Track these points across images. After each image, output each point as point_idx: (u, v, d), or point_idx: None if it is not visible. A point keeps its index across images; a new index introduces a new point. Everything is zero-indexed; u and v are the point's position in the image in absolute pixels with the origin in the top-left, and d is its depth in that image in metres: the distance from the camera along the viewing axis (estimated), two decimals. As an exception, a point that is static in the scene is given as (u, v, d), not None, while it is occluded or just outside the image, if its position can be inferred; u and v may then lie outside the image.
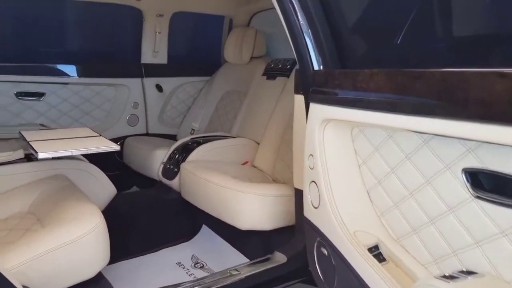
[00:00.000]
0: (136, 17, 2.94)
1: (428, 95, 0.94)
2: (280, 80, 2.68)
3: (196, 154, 2.37)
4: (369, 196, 1.30)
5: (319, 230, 1.40)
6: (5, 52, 2.63)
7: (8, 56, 2.62)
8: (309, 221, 1.46)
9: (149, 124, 3.13)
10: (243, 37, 2.95)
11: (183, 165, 2.28)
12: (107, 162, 2.92)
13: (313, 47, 1.52)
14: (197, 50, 3.48)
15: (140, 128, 3.10)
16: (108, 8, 2.80)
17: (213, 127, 3.07)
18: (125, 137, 3.00)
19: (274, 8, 1.57)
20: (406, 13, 1.28)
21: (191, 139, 2.58)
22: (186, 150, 2.45)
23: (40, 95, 2.68)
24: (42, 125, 2.71)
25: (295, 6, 1.51)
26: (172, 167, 2.42)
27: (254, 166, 2.54)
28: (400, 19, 1.30)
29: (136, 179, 2.85)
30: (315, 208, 1.40)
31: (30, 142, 1.58)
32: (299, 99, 1.58)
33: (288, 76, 2.62)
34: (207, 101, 3.18)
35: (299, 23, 1.52)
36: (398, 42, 1.30)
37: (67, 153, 1.50)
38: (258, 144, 2.58)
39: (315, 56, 1.51)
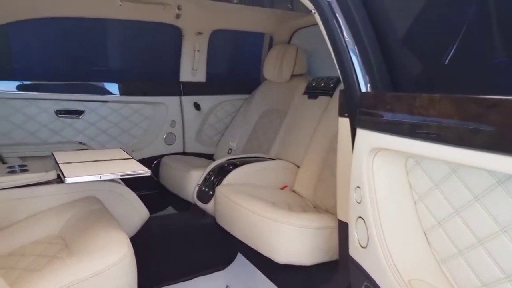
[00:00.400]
0: (175, 35, 2.92)
1: (508, 128, 0.77)
2: (322, 99, 2.54)
3: (232, 176, 2.26)
4: (427, 239, 1.12)
5: (367, 273, 1.22)
6: (47, 70, 2.67)
7: (49, 74, 2.66)
8: (355, 261, 1.29)
9: (186, 143, 3.08)
10: (284, 54, 2.85)
11: (218, 189, 2.17)
12: (143, 181, 2.89)
13: (360, 66, 1.38)
14: (236, 68, 3.41)
15: (177, 147, 3.04)
16: (147, 27, 2.79)
17: (251, 147, 2.96)
18: (161, 156, 2.95)
19: (316, 24, 1.45)
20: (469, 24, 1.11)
21: (227, 160, 2.48)
22: (222, 172, 2.35)
23: (79, 113, 2.69)
24: (80, 143, 2.71)
25: (340, 21, 1.38)
26: (207, 189, 2.32)
27: (294, 191, 2.39)
28: (459, 32, 1.13)
29: (172, 200, 2.78)
30: (362, 248, 1.24)
31: (59, 165, 1.53)
32: (344, 122, 1.43)
33: (331, 95, 2.47)
34: (245, 120, 3.08)
35: (344, 39, 1.39)
36: (456, 59, 1.14)
37: (95, 178, 1.43)
38: (298, 167, 2.43)
39: (362, 75, 1.37)
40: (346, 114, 1.41)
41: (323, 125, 2.39)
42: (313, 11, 1.43)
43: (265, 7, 2.94)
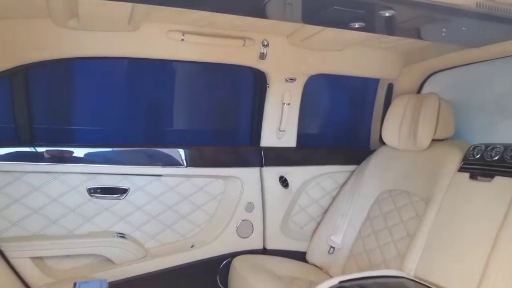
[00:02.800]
0: (257, 83, 2.10)
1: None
2: (502, 182, 1.52)
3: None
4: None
5: None
6: (76, 132, 1.94)
7: (80, 135, 1.92)
8: None
9: (268, 235, 2.13)
10: (418, 108, 1.90)
11: None
12: (207, 286, 1.98)
13: None
14: (338, 128, 2.48)
15: (254, 241, 2.11)
16: (219, 71, 2.00)
17: (364, 247, 1.95)
18: (233, 255, 2.02)
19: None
20: None
21: (340, 283, 1.47)
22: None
23: (121, 191, 1.88)
24: (121, 235, 1.89)
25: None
26: None
27: None
28: None
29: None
30: None
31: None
32: None
33: (524, 177, 1.44)
34: (353, 203, 2.10)
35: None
36: None
37: None
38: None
39: None
40: None
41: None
42: None
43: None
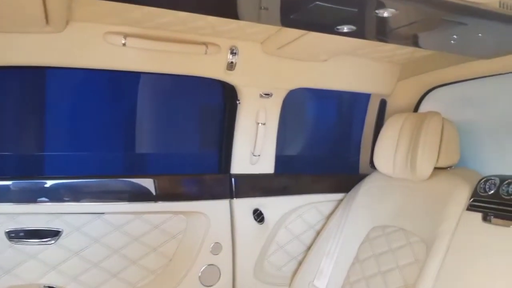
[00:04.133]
0: (226, 98, 1.75)
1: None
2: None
3: None
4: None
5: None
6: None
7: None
8: None
9: (239, 281, 1.76)
10: (418, 130, 1.58)
11: None
12: None
13: None
14: (323, 151, 2.14)
15: (222, 291, 1.74)
16: (177, 84, 1.64)
17: (355, 295, 1.61)
18: (195, 308, 1.66)
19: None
20: None
21: None
22: None
23: (51, 234, 1.50)
24: (50, 288, 1.50)
25: None
26: None
27: None
28: None
29: None
30: None
31: None
32: None
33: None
34: (340, 240, 1.76)
35: None
36: None
37: None
38: None
39: None
40: None
41: None
42: None
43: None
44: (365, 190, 1.82)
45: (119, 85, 1.71)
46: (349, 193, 1.89)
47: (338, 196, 1.94)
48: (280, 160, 1.87)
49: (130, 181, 1.60)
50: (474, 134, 1.72)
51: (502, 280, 1.19)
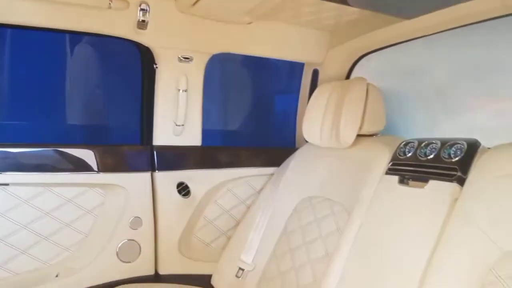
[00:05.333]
0: (144, 62, 1.65)
1: None
2: (438, 188, 1.17)
3: None
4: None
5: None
6: None
7: None
8: None
9: (161, 257, 1.69)
10: (342, 97, 1.54)
11: None
12: None
13: None
14: (252, 123, 2.07)
15: (142, 266, 1.65)
16: (91, 45, 1.54)
17: (279, 269, 1.56)
18: (113, 285, 1.57)
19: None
20: None
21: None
22: None
23: None
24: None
25: None
26: None
27: None
28: None
29: None
30: None
31: None
32: None
33: (460, 180, 1.11)
34: (269, 213, 1.70)
35: None
36: None
37: None
38: None
39: None
40: None
41: (451, 251, 1.02)
42: None
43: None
44: (295, 163, 1.77)
45: (24, 45, 1.59)
46: (280, 166, 1.83)
47: (271, 170, 1.88)
48: (210, 132, 1.80)
49: (38, 151, 1.49)
50: (402, 101, 1.69)
51: (417, 239, 1.15)
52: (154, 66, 1.60)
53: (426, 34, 1.53)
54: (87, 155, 1.57)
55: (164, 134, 1.69)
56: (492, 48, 1.49)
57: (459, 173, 1.14)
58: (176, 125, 1.68)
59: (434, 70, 1.69)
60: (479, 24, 1.38)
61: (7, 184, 1.45)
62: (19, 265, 1.50)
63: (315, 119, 1.65)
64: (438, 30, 1.48)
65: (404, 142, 1.39)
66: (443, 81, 1.66)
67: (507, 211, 0.98)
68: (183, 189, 1.73)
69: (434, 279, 1.03)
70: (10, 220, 1.48)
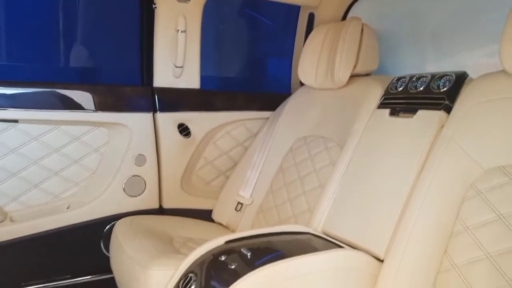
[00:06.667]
0: (140, 3, 1.68)
1: None
2: (426, 116, 1.24)
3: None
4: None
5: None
6: None
7: None
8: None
9: (165, 192, 1.79)
10: (337, 38, 1.58)
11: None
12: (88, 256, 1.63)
13: None
14: (249, 66, 2.12)
15: (147, 200, 1.77)
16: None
17: (275, 202, 1.67)
18: (120, 217, 1.68)
19: None
20: None
21: (226, 244, 1.18)
22: (215, 276, 1.06)
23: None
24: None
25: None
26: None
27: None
28: None
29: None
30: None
31: None
32: None
33: (447, 108, 1.18)
34: (266, 154, 1.79)
35: None
36: None
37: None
38: (380, 261, 1.11)
39: None
40: None
41: (436, 173, 1.09)
42: None
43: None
44: (290, 106, 1.84)
45: None
46: (276, 110, 1.90)
47: (267, 114, 1.96)
48: (208, 78, 1.86)
49: (47, 90, 1.56)
50: (396, 43, 1.74)
51: (402, 165, 1.24)
52: (153, 6, 1.63)
53: None
54: (91, 94, 1.64)
55: (164, 76, 1.76)
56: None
57: (446, 102, 1.22)
58: (176, 66, 1.73)
59: (428, 12, 1.73)
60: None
61: (16, 121, 1.53)
62: (32, 198, 1.61)
63: (311, 61, 1.70)
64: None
65: (397, 78, 1.46)
66: (436, 23, 1.71)
67: (488, 132, 1.07)
68: (184, 130, 1.81)
69: (419, 197, 1.12)
70: (22, 156, 1.56)
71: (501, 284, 0.94)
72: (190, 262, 1.14)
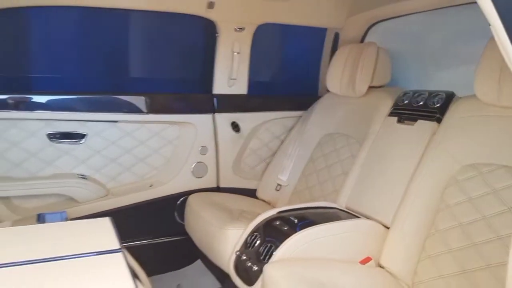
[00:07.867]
0: (207, 32, 2.17)
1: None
2: (423, 125, 1.71)
3: (290, 248, 1.47)
4: None
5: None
6: (35, 80, 1.99)
7: (39, 84, 1.97)
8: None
9: (221, 175, 2.32)
10: (358, 57, 2.04)
11: (268, 270, 1.38)
12: (166, 223, 2.17)
13: None
14: (287, 76, 2.61)
15: (209, 181, 2.29)
16: (168, 20, 2.05)
17: (307, 184, 2.17)
18: (189, 193, 2.21)
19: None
20: None
21: (279, 213, 1.69)
22: (272, 234, 1.57)
23: (80, 136, 2.00)
24: (82, 176, 2.02)
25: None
26: (250, 263, 1.54)
27: (381, 266, 1.57)
28: None
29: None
30: None
31: None
32: None
33: (438, 120, 1.64)
34: (299, 145, 2.29)
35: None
36: None
37: None
38: (387, 228, 1.61)
39: None
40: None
41: (428, 165, 1.56)
42: None
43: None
44: (319, 107, 2.31)
45: (131, 22, 2.13)
46: (307, 110, 2.38)
47: (299, 113, 2.44)
48: (253, 83, 2.34)
49: (137, 97, 2.07)
50: (405, 61, 2.18)
51: (405, 160, 1.68)
52: (216, 35, 2.13)
53: (428, 9, 2.00)
54: (168, 100, 2.15)
55: (221, 85, 2.26)
56: (474, 23, 1.96)
57: (438, 115, 1.67)
58: (230, 78, 2.23)
59: (429, 37, 2.16)
60: (465, 5, 1.85)
61: (116, 121, 2.05)
62: (125, 178, 2.15)
63: (336, 74, 2.16)
64: (435, 8, 1.95)
65: (403, 93, 1.92)
66: (436, 46, 2.14)
67: (466, 139, 1.51)
68: (235, 127, 2.31)
69: (416, 183, 1.56)
70: (119, 146, 2.09)
71: (467, 243, 1.40)
72: (255, 224, 1.66)
